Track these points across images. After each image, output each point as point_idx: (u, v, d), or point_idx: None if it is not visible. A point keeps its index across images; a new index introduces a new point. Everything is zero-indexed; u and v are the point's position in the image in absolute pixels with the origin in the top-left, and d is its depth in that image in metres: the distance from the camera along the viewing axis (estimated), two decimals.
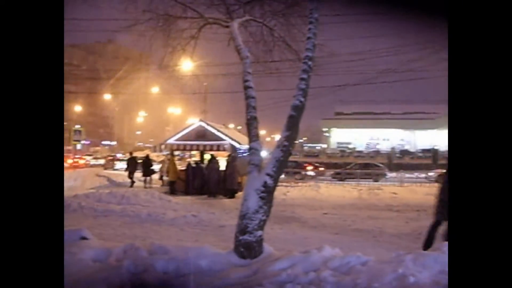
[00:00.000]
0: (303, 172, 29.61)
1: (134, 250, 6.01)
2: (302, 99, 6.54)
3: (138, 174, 22.49)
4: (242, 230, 6.15)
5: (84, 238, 6.55)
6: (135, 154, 24.92)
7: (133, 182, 21.48)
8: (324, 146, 69.40)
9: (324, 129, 71.45)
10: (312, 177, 29.17)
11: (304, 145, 76.68)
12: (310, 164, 33.00)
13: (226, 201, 16.93)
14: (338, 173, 30.63)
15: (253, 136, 6.80)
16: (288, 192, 19.73)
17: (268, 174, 6.34)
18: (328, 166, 33.96)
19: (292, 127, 6.49)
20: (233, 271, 5.56)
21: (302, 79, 6.59)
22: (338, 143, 64.94)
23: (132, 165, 22.14)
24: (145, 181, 21.99)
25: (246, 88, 6.93)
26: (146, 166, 22.31)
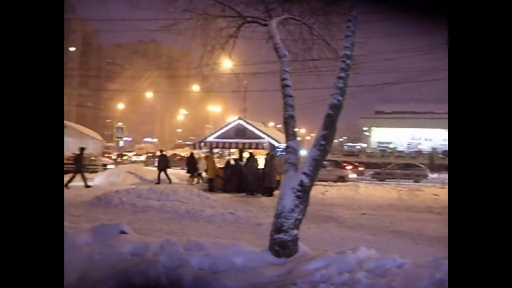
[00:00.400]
0: (342, 172, 29.33)
1: (171, 245, 6.11)
2: (340, 98, 6.48)
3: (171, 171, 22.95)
4: (278, 228, 6.15)
5: (123, 232, 6.72)
6: (165, 152, 25.48)
7: (160, 179, 21.71)
8: (364, 145, 68.40)
9: (364, 128, 70.44)
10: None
11: (344, 144, 75.85)
12: (349, 163, 32.67)
13: (264, 199, 16.95)
14: (378, 173, 30.23)
15: (290, 134, 6.79)
16: (326, 191, 19.59)
17: (304, 173, 6.31)
18: (368, 166, 33.50)
19: (329, 126, 6.44)
20: (267, 269, 5.57)
21: (340, 77, 6.53)
22: (378, 142, 63.78)
23: (162, 162, 22.45)
24: (192, 176, 22.45)
25: (284, 86, 6.92)
26: (191, 163, 22.68)
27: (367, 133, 69.77)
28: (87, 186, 19.16)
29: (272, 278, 5.25)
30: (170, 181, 21.48)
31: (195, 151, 23.62)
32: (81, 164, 19.89)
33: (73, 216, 10.40)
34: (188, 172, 22.79)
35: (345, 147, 70.00)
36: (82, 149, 20.24)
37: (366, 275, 4.89)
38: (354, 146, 70.84)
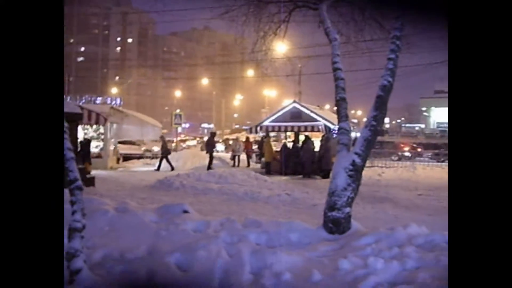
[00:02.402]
0: (399, 153, 28.92)
1: (230, 223, 6.53)
2: (390, 79, 6.58)
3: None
4: (331, 206, 6.40)
5: (186, 211, 7.21)
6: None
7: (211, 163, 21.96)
8: (423, 126, 66.60)
9: (423, 109, 68.49)
10: (409, 158, 28.40)
11: (402, 125, 74.15)
12: (407, 144, 32.09)
13: (320, 181, 17.11)
14: (436, 154, 29.50)
15: (342, 116, 6.96)
16: (383, 172, 19.48)
17: (356, 153, 6.51)
18: (426, 147, 32.69)
19: (379, 107, 6.57)
20: (321, 244, 5.86)
21: (390, 59, 6.62)
22: (437, 123, 61.87)
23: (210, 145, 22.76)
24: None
25: (335, 69, 7.06)
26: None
27: (426, 114, 67.82)
28: (172, 169, 20.80)
29: (325, 252, 5.53)
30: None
31: (251, 135, 24.08)
32: (166, 150, 21.73)
33: (139, 198, 11.10)
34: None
35: (403, 128, 68.42)
36: (162, 137, 22.75)
37: (415, 249, 5.07)
38: (412, 127, 69.13)
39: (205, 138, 53.23)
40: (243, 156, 24.47)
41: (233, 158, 23.90)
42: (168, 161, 21.32)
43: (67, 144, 5.03)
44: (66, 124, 5.25)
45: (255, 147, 26.49)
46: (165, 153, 21.58)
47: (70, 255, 4.57)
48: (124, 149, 26.50)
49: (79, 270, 4.51)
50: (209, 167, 20.77)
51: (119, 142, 26.87)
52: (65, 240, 4.89)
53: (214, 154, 22.69)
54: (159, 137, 23.00)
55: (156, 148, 25.83)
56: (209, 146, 22.18)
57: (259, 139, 24.80)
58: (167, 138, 25.35)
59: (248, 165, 23.88)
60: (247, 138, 25.47)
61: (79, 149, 17.75)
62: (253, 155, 25.94)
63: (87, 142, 18.92)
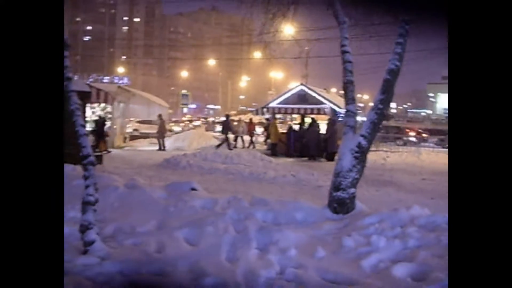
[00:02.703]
0: (405, 138, 28.98)
1: (237, 201, 6.70)
2: (398, 63, 6.66)
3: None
4: (336, 187, 6.55)
5: (193, 189, 7.39)
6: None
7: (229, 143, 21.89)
8: (430, 112, 66.41)
9: (430, 94, 68.27)
10: (414, 143, 28.44)
11: (409, 110, 73.96)
12: (412, 129, 32.11)
13: (326, 163, 17.18)
14: (442, 140, 29.53)
15: (349, 99, 7.06)
16: (388, 157, 19.53)
17: (362, 135, 6.63)
18: (432, 132, 32.68)
19: (386, 91, 6.66)
20: (325, 223, 6.02)
21: (398, 43, 6.69)
22: (444, 109, 61.67)
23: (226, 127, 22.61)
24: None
25: (343, 53, 7.14)
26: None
27: (433, 99, 67.57)
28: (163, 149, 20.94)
29: (329, 231, 5.70)
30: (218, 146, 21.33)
31: (256, 117, 23.93)
32: (163, 129, 21.66)
33: (146, 176, 11.28)
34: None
35: (410, 113, 68.28)
36: (160, 116, 22.16)
37: (417, 229, 5.23)
38: (418, 113, 68.94)
39: (210, 119, 53.60)
40: (246, 138, 24.46)
41: (235, 139, 23.85)
42: (162, 141, 21.40)
43: (80, 121, 5.19)
44: (79, 101, 5.41)
45: (261, 130, 26.54)
46: (161, 132, 21.51)
47: (84, 227, 4.76)
48: (145, 129, 26.96)
49: (92, 241, 4.70)
50: (218, 146, 20.96)
51: (138, 122, 27.34)
52: (78, 214, 5.08)
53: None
54: (157, 116, 22.61)
55: (177, 128, 25.84)
56: (225, 129, 22.20)
57: (264, 121, 24.71)
58: (173, 118, 25.44)
59: (251, 146, 23.35)
60: (250, 120, 25.47)
61: (94, 127, 18.08)
62: (256, 137, 25.85)
63: (102, 121, 19.12)
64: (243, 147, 22.59)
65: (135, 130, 27.82)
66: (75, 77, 25.24)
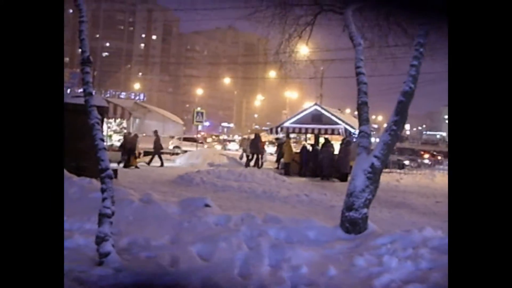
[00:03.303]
0: (419, 160, 28.83)
1: (250, 218, 6.77)
2: (412, 85, 6.72)
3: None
4: (349, 207, 6.58)
5: (207, 205, 7.47)
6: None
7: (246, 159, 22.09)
8: (444, 134, 66.00)
9: (445, 117, 67.95)
10: (428, 166, 28.27)
11: (424, 132, 73.58)
12: (427, 152, 31.95)
13: (339, 184, 17.15)
14: None
15: (363, 120, 7.12)
16: (401, 179, 19.49)
17: (375, 156, 6.67)
18: (446, 155, 32.49)
19: (400, 112, 6.71)
20: (337, 243, 6.05)
21: (412, 65, 6.76)
22: None
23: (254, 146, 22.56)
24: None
25: (358, 74, 7.21)
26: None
27: (447, 122, 67.19)
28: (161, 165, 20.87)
29: (341, 250, 5.72)
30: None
31: (270, 136, 23.93)
32: (159, 146, 21.37)
33: (161, 192, 11.36)
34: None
35: (424, 135, 67.93)
36: (155, 132, 21.80)
37: (429, 251, 5.23)
38: (434, 135, 68.55)
39: (222, 137, 53.94)
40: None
41: (241, 157, 23.77)
42: (160, 157, 21.13)
43: (100, 135, 5.35)
44: (99, 116, 5.57)
45: (273, 149, 26.45)
46: (157, 149, 21.24)
47: (100, 238, 4.85)
48: (187, 146, 27.40)
49: (108, 253, 4.78)
50: (255, 165, 21.29)
51: (184, 139, 27.67)
52: (94, 226, 5.18)
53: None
54: (153, 132, 22.01)
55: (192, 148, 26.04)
56: (253, 148, 22.25)
57: (274, 141, 24.50)
58: (187, 135, 25.62)
59: (258, 166, 22.43)
60: (260, 138, 25.24)
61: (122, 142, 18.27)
62: (265, 155, 25.62)
63: (134, 136, 19.28)
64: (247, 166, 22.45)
65: (176, 147, 28.04)
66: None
